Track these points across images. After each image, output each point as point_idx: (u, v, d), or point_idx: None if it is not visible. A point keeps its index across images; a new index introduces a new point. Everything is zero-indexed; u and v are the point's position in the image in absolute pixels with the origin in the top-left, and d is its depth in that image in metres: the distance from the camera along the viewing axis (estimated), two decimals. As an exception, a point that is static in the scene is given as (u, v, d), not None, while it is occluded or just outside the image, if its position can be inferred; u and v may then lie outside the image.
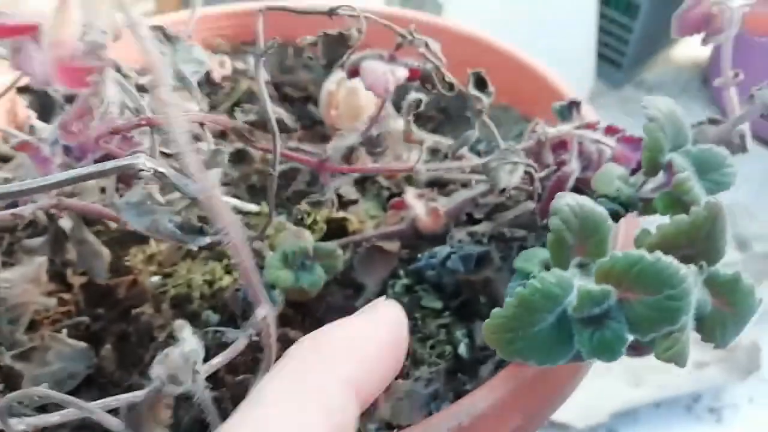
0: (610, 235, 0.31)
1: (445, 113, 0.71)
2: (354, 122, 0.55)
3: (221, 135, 0.69)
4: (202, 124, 0.36)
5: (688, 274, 0.28)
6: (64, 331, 0.49)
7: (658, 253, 0.28)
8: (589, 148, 0.44)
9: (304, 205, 0.43)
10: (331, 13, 0.38)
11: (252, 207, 0.54)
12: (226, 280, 0.48)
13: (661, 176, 0.37)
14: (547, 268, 0.35)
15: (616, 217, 0.39)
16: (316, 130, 0.75)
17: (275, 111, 0.38)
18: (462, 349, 0.42)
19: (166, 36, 0.36)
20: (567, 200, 0.30)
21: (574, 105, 0.53)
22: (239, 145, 0.66)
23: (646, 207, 0.39)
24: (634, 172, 0.42)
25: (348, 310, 0.47)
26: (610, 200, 0.38)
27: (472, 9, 1.29)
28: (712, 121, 0.47)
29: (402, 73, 0.39)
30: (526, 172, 0.38)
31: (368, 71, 0.38)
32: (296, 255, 0.41)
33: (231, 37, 0.81)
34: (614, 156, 0.43)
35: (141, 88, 0.61)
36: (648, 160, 0.36)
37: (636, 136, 0.43)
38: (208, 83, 0.77)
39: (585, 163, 0.44)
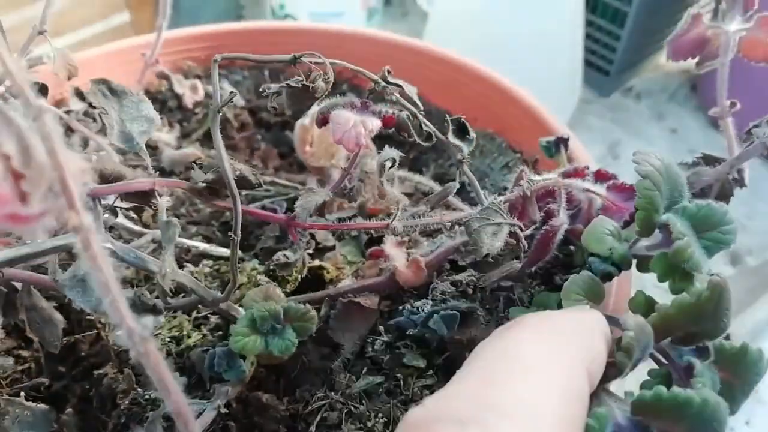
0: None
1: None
2: (330, 160, 0.52)
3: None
4: (153, 190, 0.33)
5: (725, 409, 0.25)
6: (23, 393, 0.46)
7: (705, 392, 0.25)
8: (578, 197, 0.41)
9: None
10: (295, 61, 0.35)
11: (223, 251, 0.51)
12: (195, 337, 0.45)
13: (657, 235, 0.34)
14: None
15: (608, 277, 0.36)
16: (294, 157, 0.72)
17: (236, 167, 0.35)
18: (446, 417, 0.39)
19: (111, 91, 0.33)
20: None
21: (561, 142, 0.51)
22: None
23: (640, 264, 0.36)
24: (627, 224, 0.39)
25: (325, 370, 0.44)
26: (602, 260, 0.35)
27: (457, 15, 1.26)
28: (708, 161, 0.45)
29: (374, 124, 0.36)
30: (511, 231, 0.35)
31: (337, 124, 0.35)
32: (265, 319, 0.38)
33: (203, 60, 0.78)
34: (605, 206, 0.40)
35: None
36: (642, 220, 0.33)
37: (627, 183, 0.40)
38: (180, 109, 0.74)
39: (574, 211, 0.41)
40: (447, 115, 0.40)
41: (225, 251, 0.51)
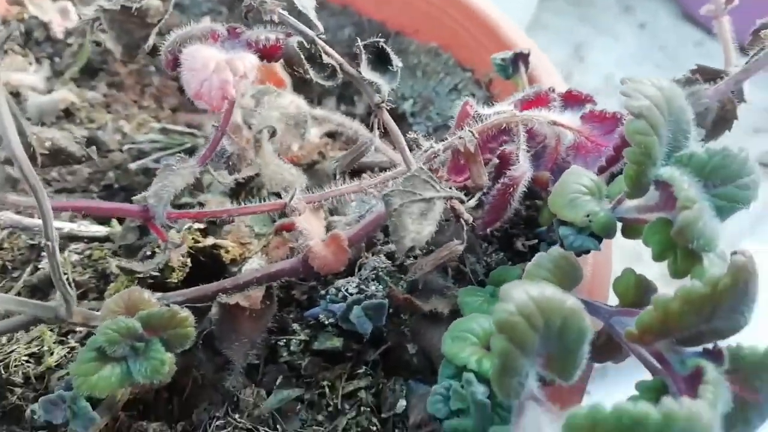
0: (586, 342, 0.19)
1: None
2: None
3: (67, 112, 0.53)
4: None
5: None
6: None
7: (667, 405, 0.16)
8: (542, 131, 0.31)
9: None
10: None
11: (97, 230, 0.39)
12: (58, 353, 0.34)
13: (652, 193, 0.25)
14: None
15: (585, 251, 0.27)
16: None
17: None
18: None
19: None
20: (522, 297, 0.18)
21: (520, 59, 0.40)
22: (85, 132, 0.50)
23: (627, 229, 0.27)
24: (608, 164, 0.29)
25: (224, 383, 0.34)
26: (577, 231, 0.26)
27: None
28: (705, 74, 0.35)
29: (247, 64, 0.24)
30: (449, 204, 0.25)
31: (192, 70, 0.24)
32: (116, 342, 0.28)
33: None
34: (578, 143, 0.30)
35: None
36: (633, 177, 0.23)
37: (609, 112, 0.30)
38: (49, 41, 0.59)
39: (537, 149, 0.31)
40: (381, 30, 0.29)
41: (100, 230, 0.40)
